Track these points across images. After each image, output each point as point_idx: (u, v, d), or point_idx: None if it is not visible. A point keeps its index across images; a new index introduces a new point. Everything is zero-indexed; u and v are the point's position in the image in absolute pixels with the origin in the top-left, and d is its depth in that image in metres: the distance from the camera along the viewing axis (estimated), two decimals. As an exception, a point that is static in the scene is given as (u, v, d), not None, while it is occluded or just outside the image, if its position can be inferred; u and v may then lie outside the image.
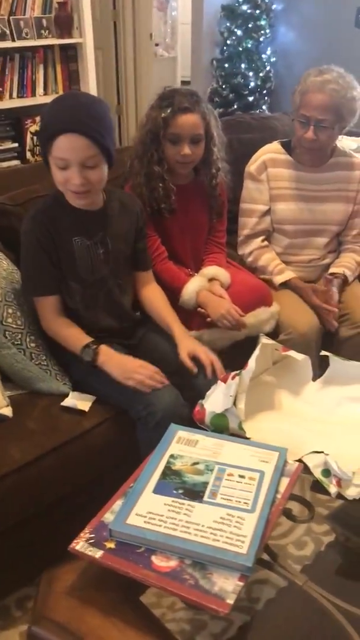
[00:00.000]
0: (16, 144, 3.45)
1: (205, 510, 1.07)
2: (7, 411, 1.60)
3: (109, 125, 1.53)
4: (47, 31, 3.36)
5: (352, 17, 3.95)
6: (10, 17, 3.19)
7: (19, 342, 1.66)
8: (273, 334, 2.06)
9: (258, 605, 1.55)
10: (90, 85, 3.56)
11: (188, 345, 1.68)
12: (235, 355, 1.73)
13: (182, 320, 1.80)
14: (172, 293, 1.90)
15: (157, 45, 5.56)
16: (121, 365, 1.57)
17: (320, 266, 2.28)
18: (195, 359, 1.66)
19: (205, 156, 1.96)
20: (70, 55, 3.52)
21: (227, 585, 0.96)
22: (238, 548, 0.99)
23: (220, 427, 1.36)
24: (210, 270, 2.03)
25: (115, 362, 1.58)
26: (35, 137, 3.49)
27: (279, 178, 2.19)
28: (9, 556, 1.54)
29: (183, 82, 5.82)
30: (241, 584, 0.96)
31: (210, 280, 2.00)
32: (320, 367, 1.71)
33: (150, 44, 5.39)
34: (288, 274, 2.18)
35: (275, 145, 2.24)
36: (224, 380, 1.41)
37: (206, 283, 1.97)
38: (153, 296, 1.82)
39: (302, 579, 1.07)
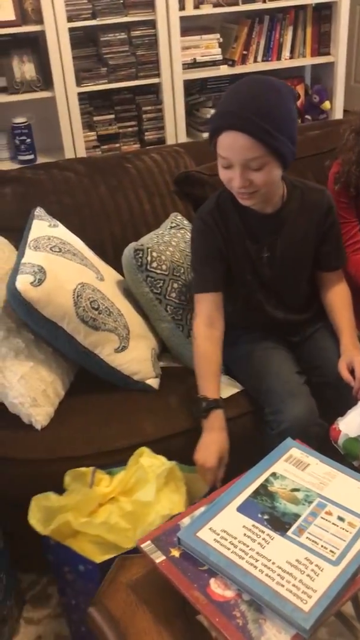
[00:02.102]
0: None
1: (284, 546, 0.96)
2: (154, 383, 1.62)
3: (285, 120, 1.32)
4: (302, -10, 3.19)
5: None
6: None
7: (179, 318, 1.66)
8: None
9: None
10: (340, 48, 3.31)
11: (352, 355, 1.46)
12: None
13: None
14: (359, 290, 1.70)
15: None
16: (203, 446, 1.36)
17: None
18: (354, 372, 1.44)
19: None
20: (324, 15, 3.30)
21: (276, 640, 0.85)
22: (301, 602, 0.87)
23: (352, 452, 1.20)
24: None
25: (205, 438, 1.38)
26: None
27: None
28: None
29: None
30: (292, 643, 0.84)
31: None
32: None
33: None
34: None
35: None
36: (366, 402, 1.23)
37: None
38: (335, 300, 1.59)
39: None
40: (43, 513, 1.26)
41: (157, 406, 1.56)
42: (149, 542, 1.00)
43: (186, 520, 1.03)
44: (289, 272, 1.56)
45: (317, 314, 1.65)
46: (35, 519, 1.26)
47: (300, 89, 3.45)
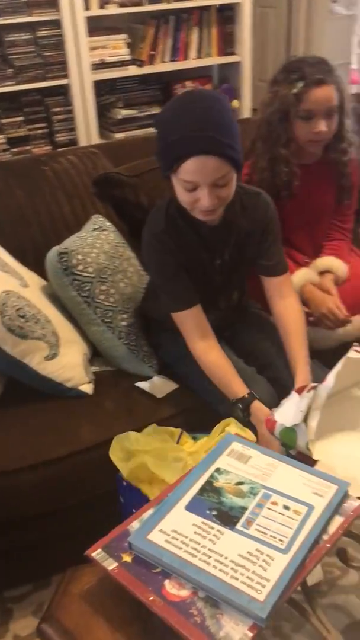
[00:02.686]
0: (165, 109, 3.42)
1: (234, 540, 0.97)
2: (88, 388, 1.60)
3: (235, 128, 1.32)
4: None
5: None
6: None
7: (109, 320, 1.65)
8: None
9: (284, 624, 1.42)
10: (246, 47, 3.40)
11: None
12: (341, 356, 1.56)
13: None
14: None
15: (334, 1, 5.15)
16: (265, 441, 1.31)
17: None
18: None
19: (337, 130, 1.77)
20: (227, 16, 3.37)
21: (235, 633, 0.86)
22: (256, 592, 0.89)
23: (289, 442, 1.24)
24: (324, 261, 1.85)
25: (262, 434, 1.34)
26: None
27: None
28: (61, 535, 1.54)
29: (361, 42, 5.37)
30: (251, 634, 0.86)
31: (323, 273, 1.83)
32: None
33: (327, 0, 5.02)
34: None
35: None
36: (299, 392, 1.27)
37: (315, 276, 1.80)
38: (287, 318, 1.54)
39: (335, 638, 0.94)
40: (123, 452, 1.25)
41: (94, 412, 1.54)
42: (99, 550, 0.98)
43: (135, 524, 1.03)
44: (237, 274, 1.58)
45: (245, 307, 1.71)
46: (116, 456, 1.25)
47: (208, 89, 3.50)
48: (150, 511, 1.05)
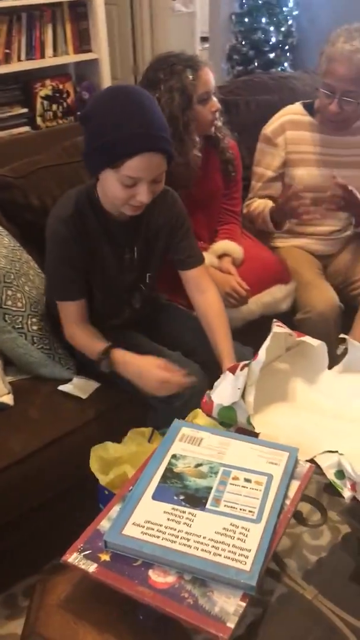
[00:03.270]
0: (26, 109, 3.33)
1: (208, 519, 0.99)
2: (8, 399, 1.54)
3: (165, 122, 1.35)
4: (55, -13, 3.19)
5: (381, -36, 3.68)
6: (16, -26, 3.03)
7: (20, 326, 1.59)
8: (290, 312, 1.96)
9: (271, 598, 1.49)
10: (102, 44, 3.40)
11: None
12: (250, 335, 1.63)
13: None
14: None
15: (174, -1, 5.31)
16: (141, 377, 1.40)
17: (342, 239, 2.15)
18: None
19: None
20: (80, 12, 3.34)
21: (229, 606, 0.88)
22: (241, 564, 0.92)
23: (228, 420, 1.28)
24: (220, 245, 1.92)
25: (133, 372, 1.42)
26: (44, 102, 3.36)
27: (299, 141, 2.05)
28: (13, 547, 1.50)
29: (202, 39, 5.56)
30: (243, 604, 0.89)
31: (221, 256, 1.90)
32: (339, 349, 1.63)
33: (167, -1, 5.15)
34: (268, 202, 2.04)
35: (297, 106, 2.10)
36: (232, 371, 1.31)
37: (214, 260, 1.87)
38: (209, 311, 1.58)
39: (311, 593, 1.00)
40: (101, 463, 1.25)
41: (19, 422, 1.48)
42: (74, 554, 0.96)
43: (105, 523, 1.01)
44: (148, 270, 1.59)
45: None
46: (94, 467, 1.25)
47: (69, 87, 3.46)
48: (116, 507, 1.04)
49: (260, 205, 2.06)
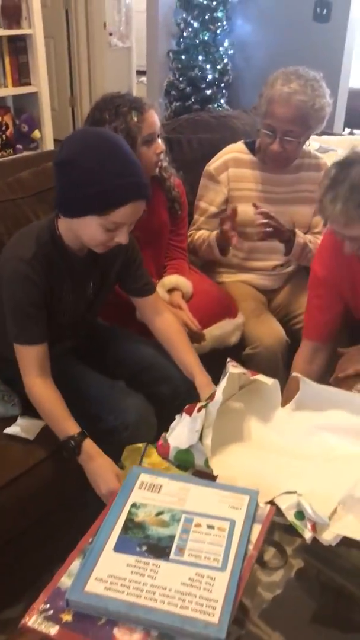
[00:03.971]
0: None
1: (173, 570, 0.97)
2: None
3: None
4: (-7, 21, 3.17)
5: (310, 10, 3.86)
6: None
7: None
8: (238, 346, 1.98)
9: None
10: (42, 77, 3.39)
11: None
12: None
13: (144, 333, 1.71)
14: (129, 307, 1.79)
15: (110, 34, 5.38)
16: (96, 476, 1.34)
17: (284, 274, 2.20)
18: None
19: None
20: (20, 46, 3.34)
21: (198, 662, 0.86)
22: (209, 616, 0.90)
23: (186, 463, 1.27)
24: (170, 279, 1.93)
25: (92, 469, 1.35)
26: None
27: (241, 179, 2.10)
28: None
29: (139, 72, 5.66)
30: (213, 658, 0.87)
31: (171, 290, 1.91)
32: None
33: (103, 33, 5.21)
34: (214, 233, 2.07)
35: (239, 145, 2.16)
36: (189, 412, 1.31)
37: (165, 295, 1.87)
38: (169, 331, 1.62)
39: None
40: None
41: None
42: (34, 616, 0.92)
43: (66, 580, 0.98)
44: (100, 301, 1.60)
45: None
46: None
47: (8, 119, 3.43)
48: (76, 562, 1.01)
49: (205, 233, 2.10)
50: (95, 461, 1.36)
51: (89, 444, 1.38)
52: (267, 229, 1.90)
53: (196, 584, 0.95)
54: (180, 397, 1.54)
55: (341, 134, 3.46)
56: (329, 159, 2.26)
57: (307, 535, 1.11)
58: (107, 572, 0.96)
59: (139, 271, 1.62)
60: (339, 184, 1.40)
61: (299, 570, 1.15)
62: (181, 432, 1.29)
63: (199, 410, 1.28)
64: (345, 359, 1.65)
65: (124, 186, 1.28)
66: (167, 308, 1.70)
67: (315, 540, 1.11)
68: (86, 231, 1.35)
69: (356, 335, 1.76)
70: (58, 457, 1.51)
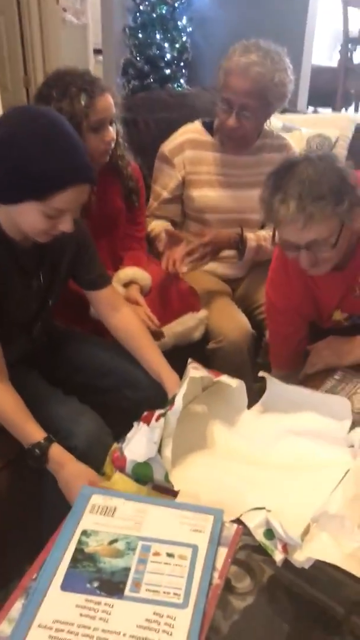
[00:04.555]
0: None
1: (127, 609, 0.86)
2: None
3: None
4: None
5: (272, -16, 3.73)
6: None
7: None
8: (202, 340, 1.87)
9: None
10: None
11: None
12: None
13: (99, 330, 1.58)
14: (82, 304, 1.65)
15: (65, 10, 5.15)
16: (68, 484, 1.22)
17: (247, 262, 2.08)
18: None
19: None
20: (-36, 22, 3.12)
21: None
22: (169, 665, 0.79)
23: (144, 478, 1.15)
24: (127, 272, 1.80)
25: (63, 477, 1.23)
26: None
27: (199, 162, 1.97)
28: None
29: (96, 51, 5.44)
30: None
31: (127, 284, 1.78)
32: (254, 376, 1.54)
33: (57, 9, 4.98)
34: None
35: (196, 125, 2.02)
36: (147, 421, 1.19)
37: (120, 289, 1.74)
38: (129, 328, 1.50)
39: None
40: None
41: None
42: (-32, 674, 0.80)
43: (5, 628, 0.85)
44: (51, 297, 1.45)
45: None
46: None
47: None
48: (18, 604, 0.88)
49: (157, 228, 1.98)
50: (66, 468, 1.23)
51: (56, 450, 1.25)
52: (206, 252, 1.81)
53: (154, 625, 0.84)
54: (147, 401, 1.41)
55: (305, 112, 3.35)
56: (293, 139, 2.16)
57: (278, 557, 1.00)
58: (53, 617, 0.84)
59: (93, 261, 1.49)
60: (285, 184, 1.28)
61: (272, 591, 1.05)
62: (138, 443, 1.17)
63: (157, 419, 1.16)
64: (314, 354, 1.55)
65: (64, 169, 1.16)
66: (125, 303, 1.57)
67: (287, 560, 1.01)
68: (26, 219, 1.22)
69: (320, 331, 1.67)
70: (14, 468, 1.38)
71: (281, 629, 1.03)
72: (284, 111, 2.32)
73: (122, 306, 1.53)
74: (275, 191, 1.29)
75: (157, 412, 1.18)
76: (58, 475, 1.24)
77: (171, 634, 0.83)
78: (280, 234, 1.36)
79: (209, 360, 1.82)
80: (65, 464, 1.24)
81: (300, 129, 2.46)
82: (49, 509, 1.33)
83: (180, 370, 1.31)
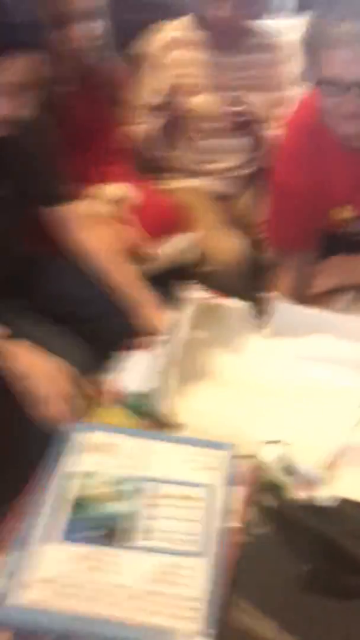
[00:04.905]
0: None
1: (139, 561, 0.75)
2: None
3: None
4: None
5: None
6: None
7: None
8: (192, 265, 1.73)
9: None
10: None
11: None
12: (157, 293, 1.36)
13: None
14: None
15: None
16: (36, 386, 1.02)
17: (241, 178, 1.91)
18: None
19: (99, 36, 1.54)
20: None
21: None
22: (190, 622, 0.69)
23: (144, 410, 1.03)
24: (115, 189, 1.63)
25: (25, 375, 1.03)
26: None
27: (187, 63, 1.76)
28: None
29: None
30: None
31: (116, 202, 1.61)
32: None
33: None
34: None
35: (184, 21, 1.80)
36: (146, 348, 1.06)
37: (107, 208, 1.57)
38: (101, 246, 1.30)
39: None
40: None
41: None
42: None
43: (-1, 582, 0.74)
44: (15, 218, 1.27)
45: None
46: None
47: None
48: (8, 559, 0.77)
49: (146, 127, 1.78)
50: (25, 359, 1.02)
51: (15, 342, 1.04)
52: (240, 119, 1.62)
53: (170, 577, 0.74)
54: (129, 330, 1.25)
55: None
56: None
57: (298, 495, 0.90)
58: (52, 572, 0.73)
59: (48, 169, 1.29)
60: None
61: (287, 533, 0.96)
62: (138, 370, 1.05)
63: (159, 345, 1.03)
64: (322, 274, 1.42)
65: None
66: (96, 223, 1.36)
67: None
68: None
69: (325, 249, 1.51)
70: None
71: (301, 573, 0.94)
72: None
73: (96, 225, 1.34)
74: (331, 9, 1.06)
75: (159, 338, 1.05)
76: (15, 368, 1.01)
77: (189, 587, 0.73)
78: (329, 66, 1.08)
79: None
80: (22, 354, 1.02)
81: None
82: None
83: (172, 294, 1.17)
